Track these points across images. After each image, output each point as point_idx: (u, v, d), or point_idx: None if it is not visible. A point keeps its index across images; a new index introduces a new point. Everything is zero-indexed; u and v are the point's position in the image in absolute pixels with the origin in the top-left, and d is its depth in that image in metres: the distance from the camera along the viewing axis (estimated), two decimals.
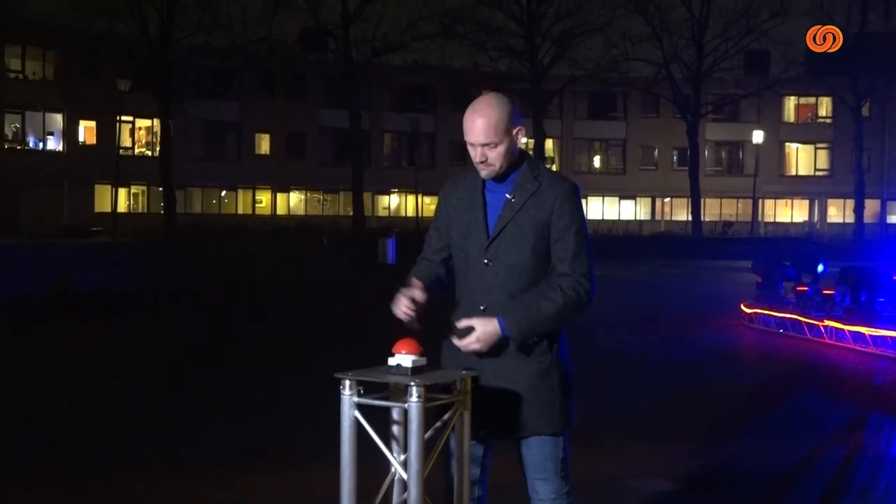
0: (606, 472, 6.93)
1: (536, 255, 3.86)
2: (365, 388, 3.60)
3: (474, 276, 3.94)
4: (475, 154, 3.92)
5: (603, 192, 61.73)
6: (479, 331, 3.73)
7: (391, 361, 3.58)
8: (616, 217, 60.98)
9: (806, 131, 63.28)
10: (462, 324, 3.74)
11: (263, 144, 57.84)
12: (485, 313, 3.82)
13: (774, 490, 6.87)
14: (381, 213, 58.52)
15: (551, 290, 3.82)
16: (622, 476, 6.91)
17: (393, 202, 60.93)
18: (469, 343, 3.72)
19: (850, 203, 57.20)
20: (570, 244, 3.84)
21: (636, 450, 7.80)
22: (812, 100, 62.80)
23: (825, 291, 16.08)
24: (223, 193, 57.59)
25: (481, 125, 3.87)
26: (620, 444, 7.95)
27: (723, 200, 60.64)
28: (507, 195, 3.93)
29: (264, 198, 58.00)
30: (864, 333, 13.56)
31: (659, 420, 9.14)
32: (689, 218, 53.62)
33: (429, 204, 60.24)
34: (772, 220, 60.36)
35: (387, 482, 3.67)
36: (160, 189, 46.47)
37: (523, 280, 3.88)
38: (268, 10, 46.42)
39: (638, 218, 61.46)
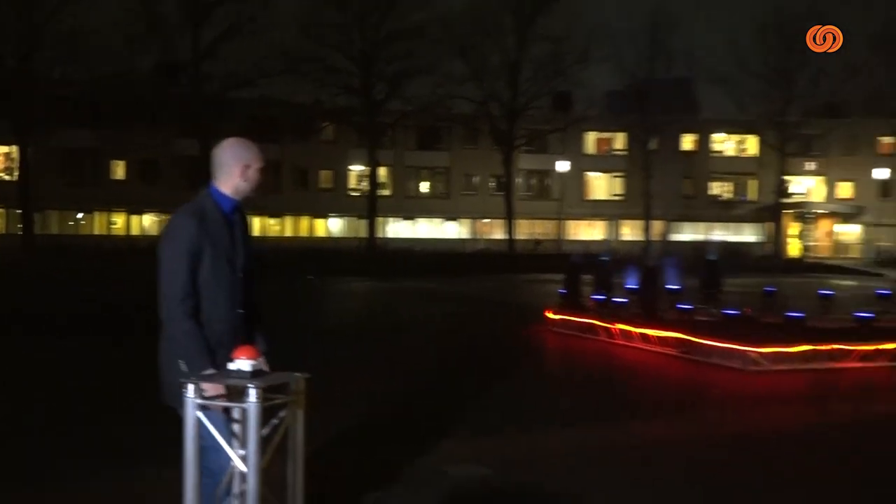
0: (422, 461, 6.94)
1: None
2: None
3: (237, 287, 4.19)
4: (260, 177, 4.20)
5: (430, 214, 62.48)
6: None
7: (231, 366, 3.57)
8: (441, 236, 61.41)
9: (604, 162, 64.90)
10: None
11: (119, 170, 56.26)
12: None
13: (576, 468, 6.95)
14: None
15: None
16: (437, 463, 6.89)
17: None
18: None
19: (641, 223, 59.66)
20: None
21: (453, 441, 7.78)
22: (609, 135, 64.50)
23: (617, 299, 16.86)
24: (80, 216, 55.81)
25: None
26: (438, 436, 7.95)
27: (533, 221, 61.40)
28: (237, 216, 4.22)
29: (119, 220, 56.40)
30: (648, 334, 14.21)
31: (474, 413, 9.18)
32: (505, 236, 54.66)
33: (273, 225, 59.73)
34: (575, 238, 62.21)
35: (228, 474, 3.63)
36: (19, 212, 44.72)
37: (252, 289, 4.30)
38: (125, 46, 45.29)
39: (460, 237, 61.96)
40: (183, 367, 3.87)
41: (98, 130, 52.93)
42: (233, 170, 4.16)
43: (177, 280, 3.95)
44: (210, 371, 3.79)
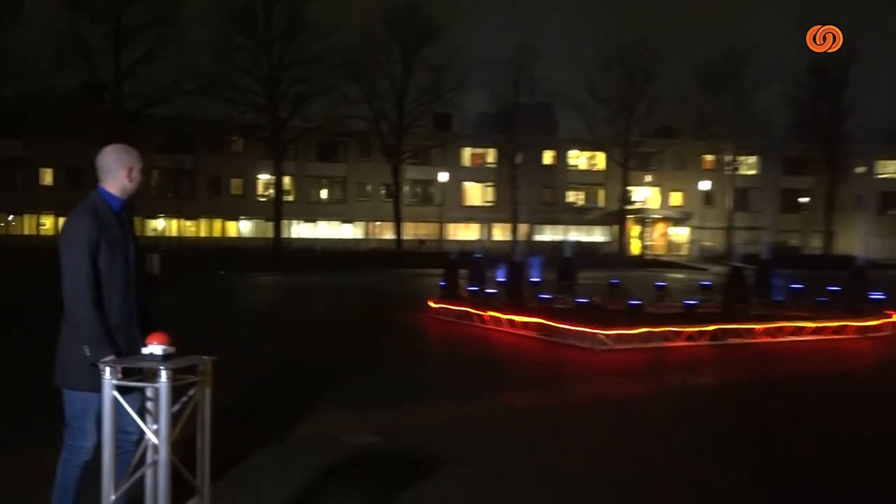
0: (321, 432, 6.88)
1: None
2: (125, 373, 3.52)
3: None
4: (142, 176, 4.09)
5: (328, 217, 61.83)
6: None
7: (145, 350, 3.51)
8: (339, 237, 60.98)
9: (478, 173, 65.07)
10: None
11: (47, 177, 53.92)
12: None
13: (454, 434, 7.00)
14: (150, 233, 55.76)
15: None
16: (335, 433, 6.82)
17: (160, 224, 58.27)
18: None
19: (509, 226, 60.36)
20: None
21: (347, 413, 7.74)
22: (482, 150, 64.69)
23: (488, 290, 17.02)
24: (10, 218, 53.33)
25: None
26: (334, 409, 7.89)
27: (418, 224, 61.28)
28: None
29: (48, 221, 54.00)
30: (514, 320, 14.36)
31: (366, 388, 9.09)
32: (394, 237, 54.55)
33: (189, 226, 58.23)
34: (454, 238, 62.47)
35: (142, 446, 3.57)
36: None
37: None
38: (52, 65, 43.40)
39: (355, 237, 61.56)
40: (87, 352, 3.78)
41: (28, 141, 50.65)
42: (119, 172, 4.05)
43: (81, 274, 3.84)
44: (111, 356, 3.71)
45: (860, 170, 62.30)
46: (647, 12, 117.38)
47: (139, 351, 3.72)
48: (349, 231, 62.56)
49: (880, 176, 67.33)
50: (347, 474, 5.77)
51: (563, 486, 5.64)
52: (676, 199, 67.14)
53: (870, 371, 11.79)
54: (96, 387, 3.61)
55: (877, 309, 15.48)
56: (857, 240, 55.88)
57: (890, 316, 15.31)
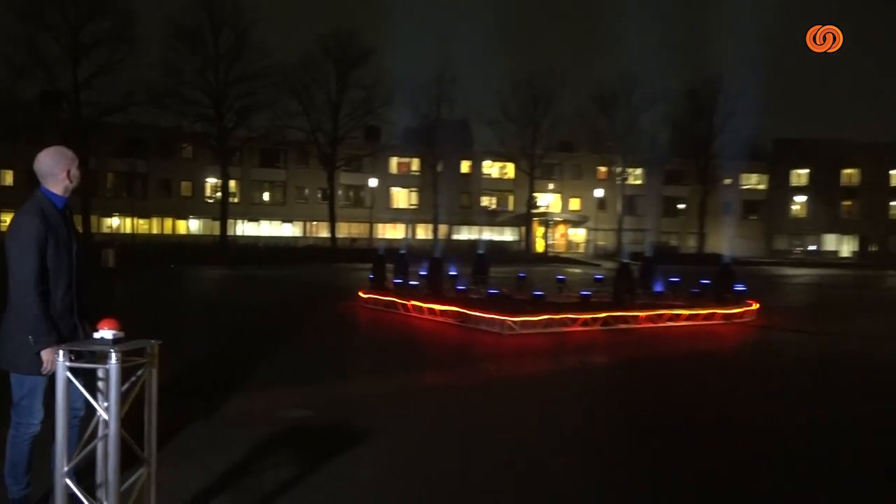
0: (259, 407, 6.78)
1: None
2: (76, 356, 3.42)
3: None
4: (80, 174, 3.95)
5: (270, 217, 60.82)
6: None
7: (97, 335, 3.44)
8: (279, 234, 60.12)
9: (403, 179, 64.85)
10: None
11: (7, 178, 51.48)
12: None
13: (379, 407, 6.97)
14: (105, 230, 53.86)
15: None
16: (272, 408, 6.72)
17: (115, 222, 56.34)
18: None
19: (430, 226, 60.36)
20: None
21: (282, 390, 7.63)
22: (407, 159, 64.37)
23: (412, 283, 17.01)
24: None
25: None
26: (270, 387, 7.76)
27: (350, 224, 60.87)
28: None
29: (7, 219, 51.57)
30: (434, 308, 14.37)
31: (300, 368, 8.99)
32: (329, 235, 53.97)
33: (142, 224, 56.45)
34: (382, 236, 62.20)
35: (94, 422, 3.50)
36: None
37: None
38: (11, 74, 41.48)
39: (294, 235, 60.81)
40: (31, 341, 3.69)
41: None
42: (59, 174, 3.90)
43: (29, 269, 3.70)
44: (53, 345, 3.64)
45: (727, 181, 64.45)
46: (552, 43, 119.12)
47: (80, 336, 3.64)
48: (289, 230, 61.72)
49: (744, 187, 69.95)
50: (283, 444, 5.70)
51: (474, 451, 5.68)
52: (575, 204, 68.31)
53: (732, 350, 12.23)
54: (40, 371, 3.62)
55: (740, 299, 16.02)
56: (724, 240, 57.91)
57: (750, 304, 15.87)
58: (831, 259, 65.85)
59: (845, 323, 16.13)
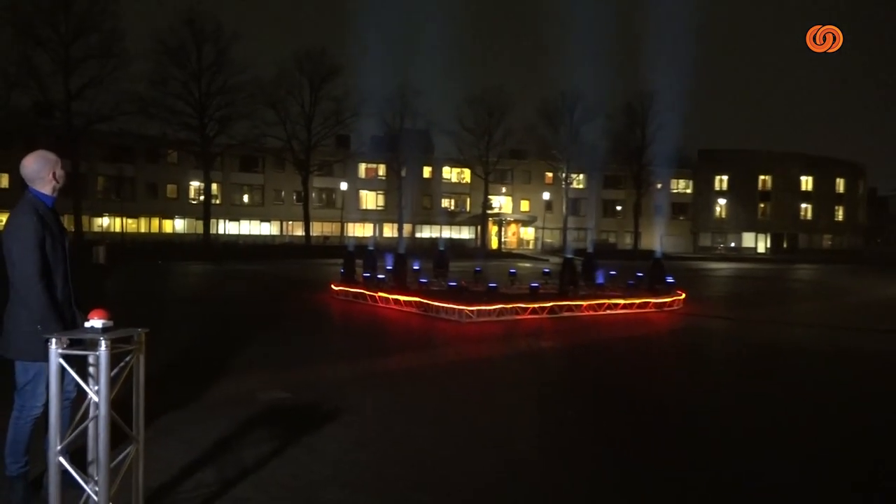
0: (240, 390, 6.69)
1: None
2: (70, 343, 3.31)
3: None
4: (65, 174, 3.86)
5: (250, 217, 60.20)
6: None
7: (87, 324, 3.37)
8: (258, 233, 59.47)
9: (371, 183, 64.49)
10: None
11: (3, 181, 49.92)
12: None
13: (350, 389, 6.90)
14: (97, 229, 52.63)
15: None
16: (251, 390, 6.62)
17: (105, 222, 55.08)
18: None
19: (396, 225, 60.15)
20: None
21: (260, 374, 7.47)
22: (374, 165, 64.06)
23: (379, 276, 16.92)
24: None
25: None
26: (249, 371, 7.62)
27: (323, 223, 60.70)
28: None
29: (3, 218, 50.07)
30: (399, 299, 14.38)
31: (277, 354, 8.86)
32: (303, 234, 53.46)
33: (131, 223, 55.28)
34: (352, 235, 61.80)
35: (85, 404, 3.44)
36: None
37: None
38: (4, 86, 40.21)
39: (272, 234, 60.27)
40: (39, 329, 3.59)
41: None
42: (46, 177, 3.82)
43: (33, 264, 3.62)
44: (59, 331, 3.53)
45: (658, 186, 65.48)
46: (504, 62, 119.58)
47: (77, 325, 3.55)
48: (266, 228, 61.14)
49: (673, 191, 71.17)
50: (262, 423, 5.62)
51: (437, 425, 5.68)
52: (525, 205, 68.79)
53: (663, 334, 12.43)
54: (47, 357, 3.42)
55: (670, 289, 16.28)
56: (656, 238, 58.81)
57: (679, 295, 16.15)
58: (749, 254, 67.43)
59: (760, 310, 16.51)
